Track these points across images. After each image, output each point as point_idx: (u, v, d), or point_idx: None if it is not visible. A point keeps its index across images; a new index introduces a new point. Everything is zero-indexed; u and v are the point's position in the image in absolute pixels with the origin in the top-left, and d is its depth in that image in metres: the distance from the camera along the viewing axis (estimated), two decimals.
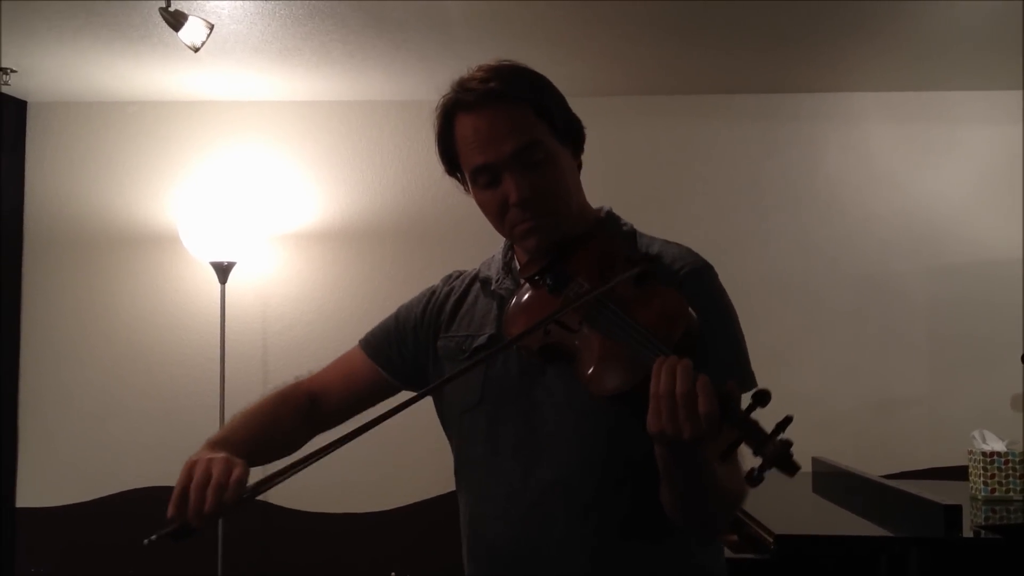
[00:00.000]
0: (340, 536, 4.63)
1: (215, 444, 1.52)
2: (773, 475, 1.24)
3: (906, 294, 4.68)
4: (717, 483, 1.36)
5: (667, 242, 1.60)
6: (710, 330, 1.45)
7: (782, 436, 1.21)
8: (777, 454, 1.19)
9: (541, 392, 1.52)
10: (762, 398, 1.23)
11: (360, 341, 1.76)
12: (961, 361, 4.62)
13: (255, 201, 4.60)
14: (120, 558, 4.65)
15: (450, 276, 1.74)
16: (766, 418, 1.23)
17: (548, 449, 1.51)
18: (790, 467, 1.19)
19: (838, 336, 4.66)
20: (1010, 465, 3.20)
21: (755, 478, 1.22)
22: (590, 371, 1.39)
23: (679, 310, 1.38)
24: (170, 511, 1.39)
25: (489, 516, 1.58)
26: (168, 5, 3.30)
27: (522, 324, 1.50)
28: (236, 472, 1.39)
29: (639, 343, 1.33)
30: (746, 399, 1.26)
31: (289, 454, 1.62)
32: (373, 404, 1.72)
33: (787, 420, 1.21)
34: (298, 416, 1.68)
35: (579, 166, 1.61)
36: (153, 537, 1.36)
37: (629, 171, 4.69)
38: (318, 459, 1.38)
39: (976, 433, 3.37)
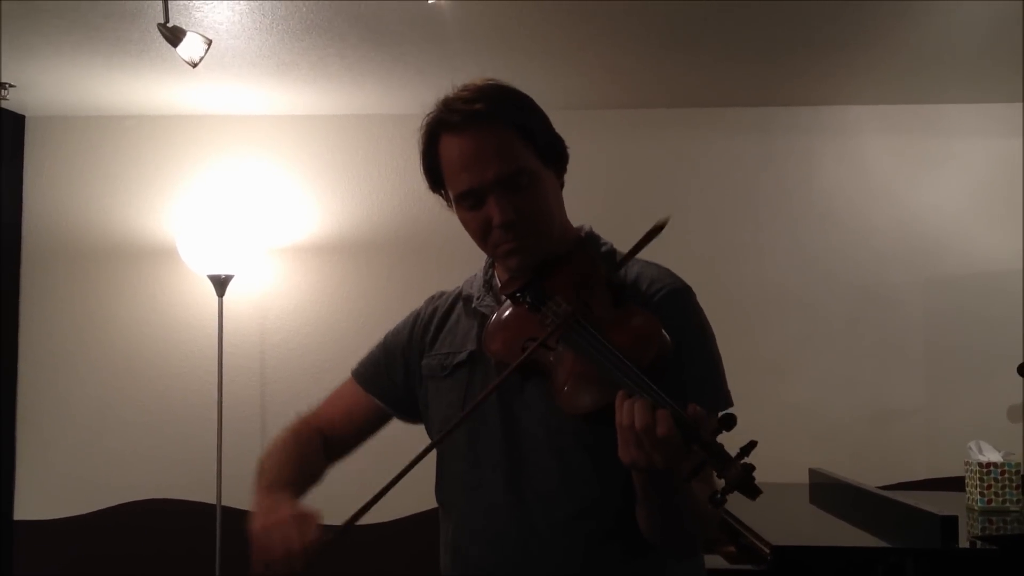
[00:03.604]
0: (339, 548, 4.61)
1: (272, 488, 1.56)
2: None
3: (902, 305, 4.69)
4: (692, 504, 1.38)
5: (647, 263, 1.61)
6: (687, 351, 1.47)
7: (745, 460, 1.22)
8: (739, 477, 1.20)
9: (520, 408, 1.54)
10: (727, 422, 1.25)
11: (352, 373, 1.77)
12: (958, 372, 4.63)
13: (253, 214, 4.62)
14: (118, 570, 4.64)
15: (432, 297, 1.76)
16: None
17: (527, 465, 1.53)
18: (751, 491, 1.21)
19: (834, 347, 4.67)
20: (1007, 476, 3.21)
21: (717, 500, 1.23)
22: (563, 389, 1.42)
23: (653, 333, 1.40)
24: (257, 571, 1.43)
25: (469, 531, 1.60)
26: (166, 21, 3.31)
27: (501, 340, 1.53)
28: (312, 527, 1.45)
29: (612, 365, 1.35)
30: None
31: (315, 486, 1.68)
32: (375, 433, 1.77)
33: (751, 444, 1.23)
34: (318, 451, 1.71)
35: (562, 185, 1.61)
36: None
37: (624, 184, 4.70)
38: (387, 492, 1.45)
39: (973, 444, 3.38)
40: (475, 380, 1.58)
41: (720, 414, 1.28)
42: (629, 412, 1.27)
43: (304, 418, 1.75)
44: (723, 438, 1.26)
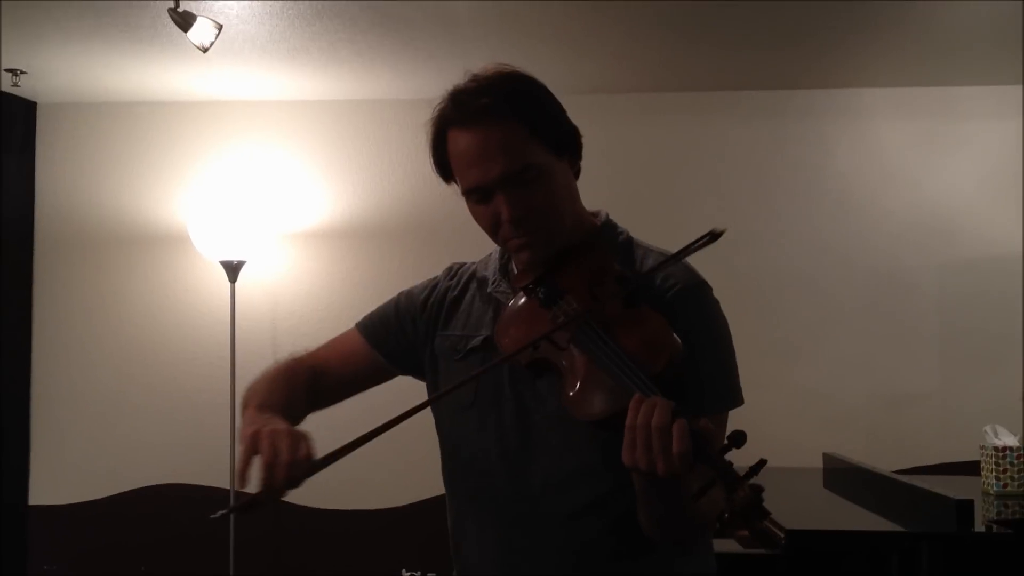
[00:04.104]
0: (351, 533, 4.64)
1: (262, 408, 1.52)
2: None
3: (917, 289, 4.66)
4: (694, 508, 1.35)
5: (661, 254, 1.57)
6: (699, 349, 1.44)
7: (754, 480, 1.19)
8: (747, 501, 1.18)
9: (531, 400, 1.52)
10: (738, 440, 1.24)
11: (358, 324, 1.76)
12: (973, 356, 4.61)
13: (264, 200, 4.61)
14: (131, 555, 4.67)
15: (451, 268, 1.73)
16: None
17: (537, 457, 1.51)
18: (760, 513, 1.19)
19: (849, 332, 4.65)
20: (1022, 460, 3.19)
21: (725, 520, 1.21)
22: (572, 394, 1.41)
23: (663, 339, 1.38)
24: (239, 483, 1.37)
25: (476, 520, 1.59)
26: (177, 6, 3.31)
27: (513, 334, 1.51)
28: (304, 448, 1.37)
29: (621, 371, 1.33)
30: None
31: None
32: (369, 387, 1.74)
33: (761, 463, 1.20)
34: (306, 391, 1.68)
35: (577, 172, 1.58)
36: (221, 513, 1.38)
37: (638, 169, 4.68)
38: (380, 434, 1.38)
39: (988, 428, 3.36)
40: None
41: (731, 432, 1.25)
42: (648, 412, 1.25)
43: (298, 358, 1.72)
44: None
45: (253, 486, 1.36)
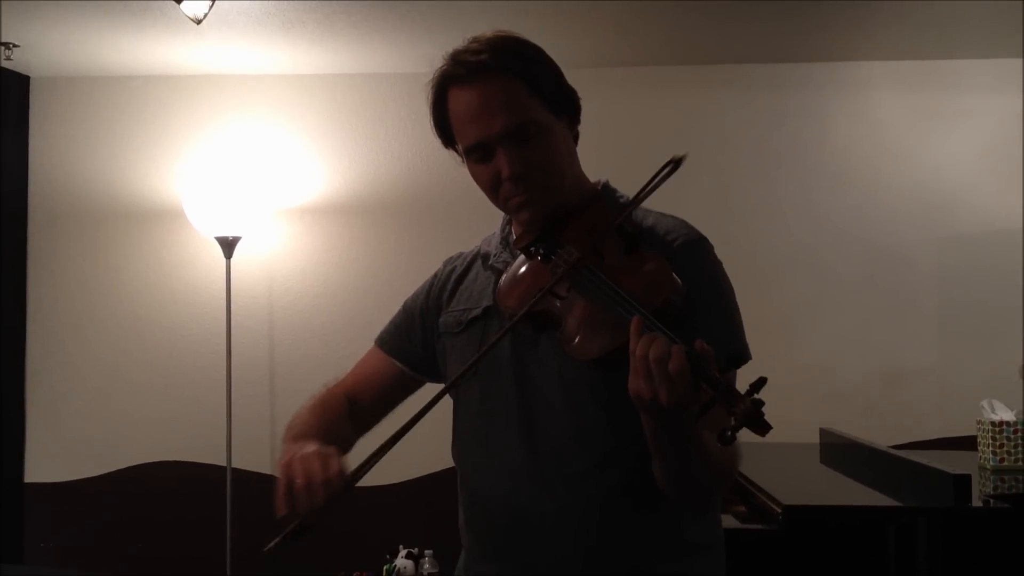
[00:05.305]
0: (349, 510, 4.63)
1: (298, 437, 1.54)
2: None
3: (915, 264, 4.65)
4: (705, 453, 1.37)
5: (663, 214, 1.60)
6: (702, 302, 1.46)
7: (755, 396, 1.21)
8: (748, 413, 1.19)
9: (533, 363, 1.53)
10: (735, 359, 1.27)
11: (376, 340, 1.78)
12: (970, 331, 4.60)
13: (260, 176, 4.59)
14: (128, 532, 4.67)
15: (451, 258, 1.75)
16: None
17: (542, 419, 1.52)
18: (761, 426, 1.20)
19: (847, 306, 4.64)
20: (1019, 435, 3.19)
21: (727, 437, 1.22)
22: (575, 336, 1.42)
23: (663, 277, 1.40)
24: (281, 510, 1.40)
25: (485, 487, 1.59)
26: None
27: (515, 294, 1.52)
28: (335, 464, 1.40)
29: (620, 307, 1.34)
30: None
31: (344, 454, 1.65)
32: (402, 399, 1.76)
33: (761, 381, 1.22)
34: (344, 416, 1.70)
35: (576, 137, 1.60)
36: (274, 543, 1.39)
37: (636, 143, 4.64)
38: (401, 437, 1.38)
39: (985, 403, 3.36)
40: (489, 334, 1.57)
41: (727, 353, 1.28)
42: (646, 343, 1.26)
43: (331, 388, 1.75)
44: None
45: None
